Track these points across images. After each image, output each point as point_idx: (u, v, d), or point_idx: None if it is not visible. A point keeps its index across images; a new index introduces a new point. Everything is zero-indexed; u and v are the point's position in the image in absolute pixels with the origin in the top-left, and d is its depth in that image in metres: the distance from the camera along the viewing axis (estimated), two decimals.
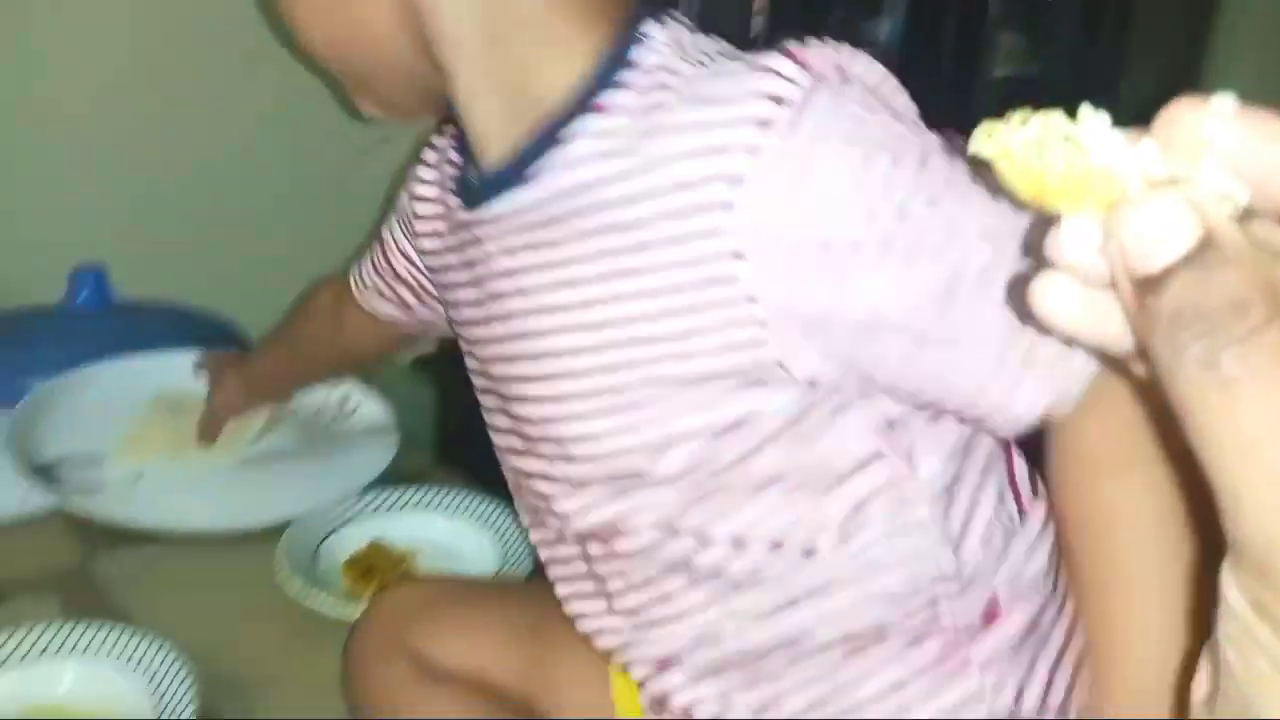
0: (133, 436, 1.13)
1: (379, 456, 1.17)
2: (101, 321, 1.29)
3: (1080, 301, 0.27)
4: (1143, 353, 0.26)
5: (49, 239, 1.34)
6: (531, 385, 0.65)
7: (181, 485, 1.10)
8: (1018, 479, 0.67)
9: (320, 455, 1.19)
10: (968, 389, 0.56)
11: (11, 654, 0.83)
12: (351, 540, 1.06)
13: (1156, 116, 0.26)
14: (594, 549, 0.68)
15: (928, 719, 0.63)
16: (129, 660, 0.84)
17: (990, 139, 0.27)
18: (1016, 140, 0.27)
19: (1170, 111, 0.25)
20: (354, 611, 0.91)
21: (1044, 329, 0.48)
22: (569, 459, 0.65)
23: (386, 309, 0.92)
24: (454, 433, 1.31)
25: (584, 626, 0.72)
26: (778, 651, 0.65)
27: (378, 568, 1.03)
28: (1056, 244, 0.27)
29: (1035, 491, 0.68)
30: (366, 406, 1.27)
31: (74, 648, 0.85)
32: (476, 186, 0.65)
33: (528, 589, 0.91)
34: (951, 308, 0.54)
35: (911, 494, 0.61)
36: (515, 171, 0.62)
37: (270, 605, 0.97)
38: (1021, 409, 0.55)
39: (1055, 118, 0.27)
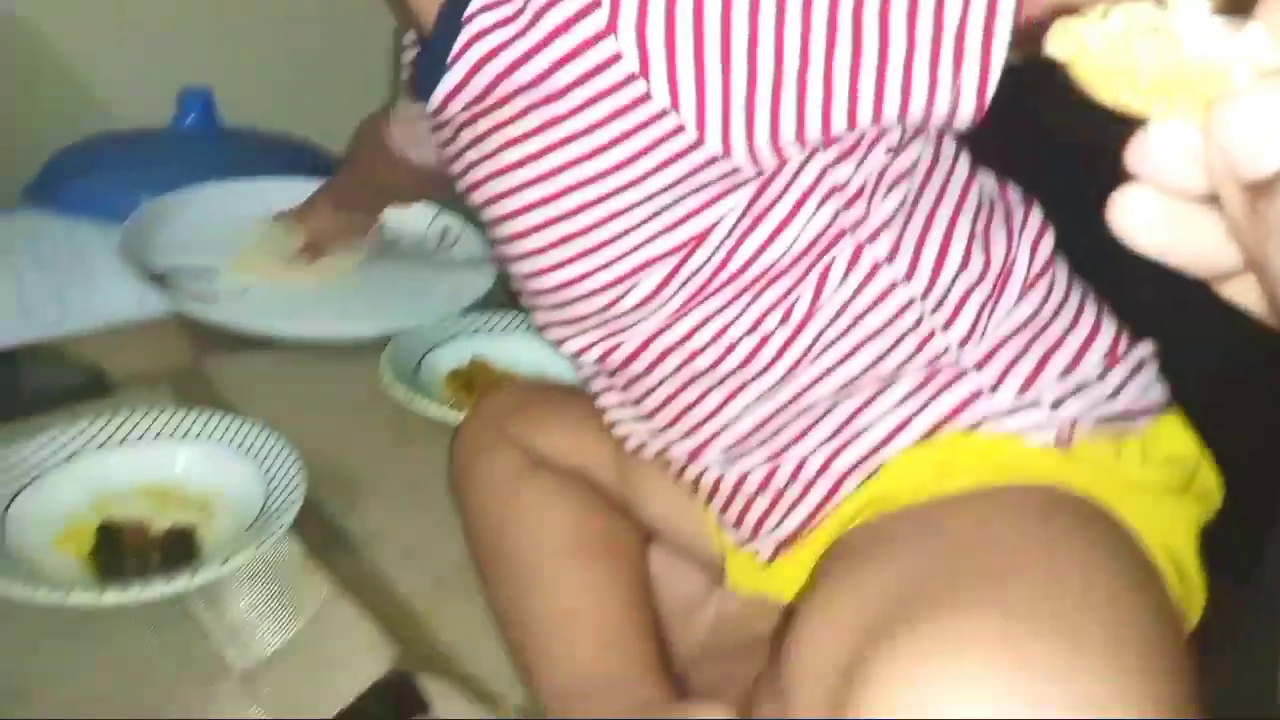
0: (239, 256, 1.15)
1: (478, 282, 1.17)
2: (209, 144, 1.31)
3: (1168, 217, 0.23)
4: (1250, 268, 0.23)
5: (158, 64, 1.35)
6: (512, 245, 0.68)
7: (289, 298, 1.11)
8: (1009, 190, 0.68)
9: (422, 280, 1.19)
10: (902, 99, 0.56)
11: (129, 434, 0.85)
12: (452, 356, 1.07)
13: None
14: (618, 380, 0.72)
15: (928, 422, 0.62)
16: (240, 447, 0.86)
17: (1066, 36, 0.24)
18: (1096, 36, 0.23)
19: None
20: (456, 417, 0.92)
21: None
22: (559, 305, 0.69)
23: (422, 157, 0.94)
24: None
25: (632, 444, 0.75)
26: (791, 420, 0.65)
27: (478, 382, 1.03)
28: (1143, 151, 0.23)
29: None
30: (466, 238, 1.28)
31: (187, 433, 0.86)
32: (422, 78, 0.69)
33: None
34: (864, 29, 0.54)
35: (868, 238, 0.62)
36: (440, 57, 0.65)
37: (374, 410, 0.98)
38: (963, 107, 0.55)
39: (1140, 7, 0.23)
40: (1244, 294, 0.24)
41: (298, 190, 1.21)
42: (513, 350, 1.08)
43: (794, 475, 0.65)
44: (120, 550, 0.76)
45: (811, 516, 0.65)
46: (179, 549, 0.77)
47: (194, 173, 1.22)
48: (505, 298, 1.16)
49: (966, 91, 0.55)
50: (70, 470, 0.82)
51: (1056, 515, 0.55)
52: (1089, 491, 0.57)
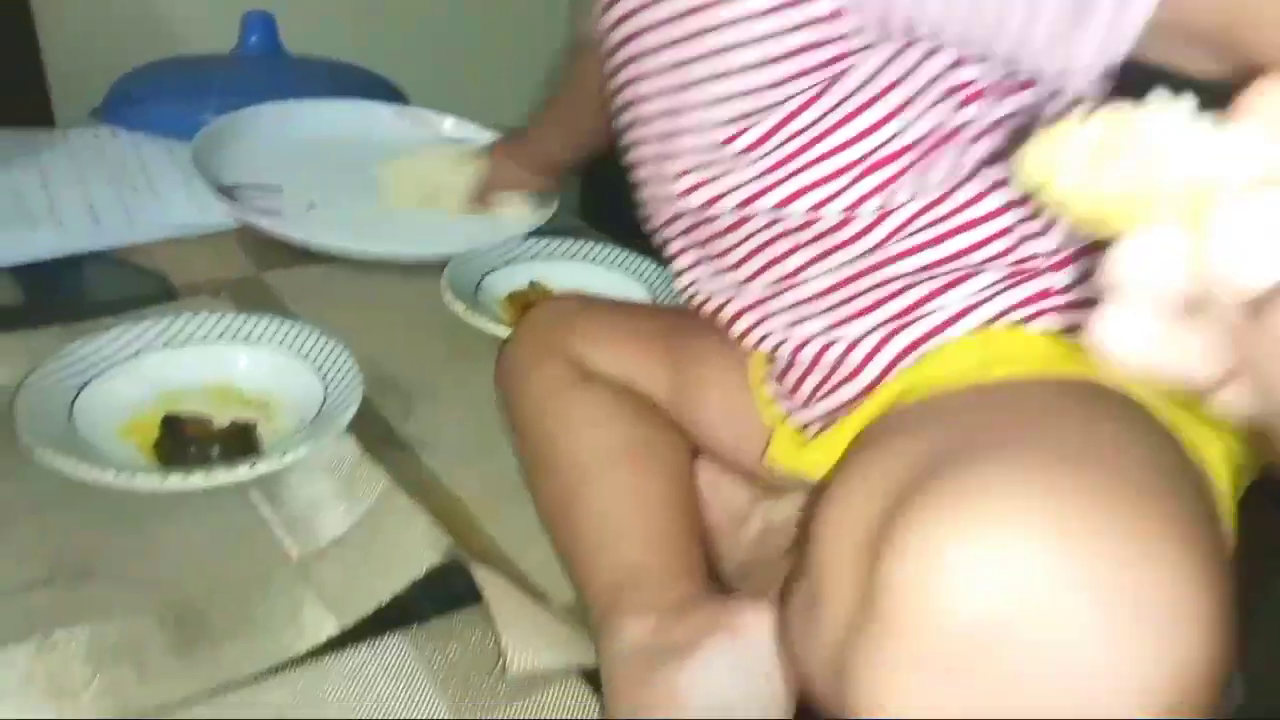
0: (305, 176, 1.16)
1: (542, 208, 1.17)
2: (272, 68, 1.32)
3: (1153, 334, 0.22)
4: (1243, 378, 0.22)
5: None
6: (633, 66, 0.70)
7: (354, 216, 1.12)
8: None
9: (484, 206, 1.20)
10: (1019, 38, 0.55)
11: (193, 335, 0.87)
12: (511, 279, 1.07)
13: (1242, 94, 0.21)
14: (705, 227, 0.72)
15: (988, 314, 0.61)
16: (300, 351, 0.87)
17: (1040, 157, 0.22)
18: (1070, 151, 0.21)
19: (1267, 86, 0.21)
20: None
21: None
22: (669, 135, 0.70)
23: None
24: (598, 199, 1.29)
25: (698, 301, 0.75)
26: (864, 291, 0.65)
27: (535, 305, 1.04)
28: (1126, 267, 0.22)
29: None
30: None
31: (249, 336, 0.88)
32: None
33: (668, 309, 0.93)
34: None
35: (975, 138, 0.62)
36: None
37: (432, 326, 0.98)
38: (1078, 63, 0.54)
39: (1118, 115, 0.21)
40: (1234, 403, 0.23)
41: (366, 113, 1.22)
42: (571, 275, 1.08)
43: (846, 352, 0.65)
44: (183, 442, 0.77)
45: (861, 395, 0.65)
46: (240, 443, 0.78)
47: (257, 96, 1.23)
48: (567, 224, 1.16)
49: (1082, 54, 0.53)
50: (135, 366, 0.84)
51: (1096, 400, 0.53)
52: (1134, 392, 0.55)
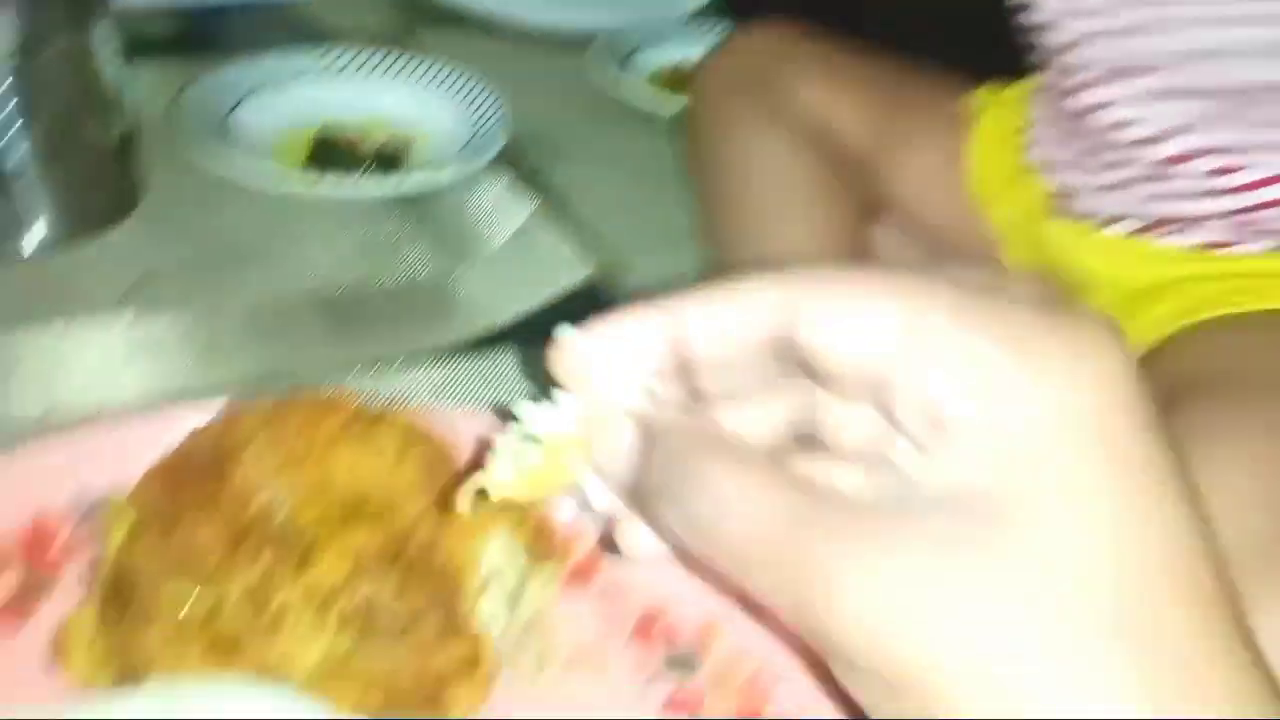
0: None
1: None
2: None
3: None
4: None
5: None
6: None
7: None
8: None
9: None
10: None
11: (345, 67, 0.87)
12: (657, 58, 1.05)
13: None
14: None
15: None
16: (449, 89, 0.87)
17: (481, 489, 0.27)
18: (494, 476, 0.27)
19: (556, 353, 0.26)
20: (658, 106, 0.93)
21: None
22: None
23: None
24: None
25: (1067, 58, 0.67)
26: (1269, 96, 0.57)
27: (682, 87, 1.02)
28: (587, 507, 0.27)
29: None
30: None
31: (400, 71, 0.88)
32: None
33: (886, 57, 0.87)
34: None
35: None
36: None
37: (578, 94, 0.97)
38: None
39: (505, 436, 0.27)
40: None
41: None
42: None
43: (1227, 171, 0.58)
44: (334, 158, 0.78)
45: (1215, 217, 0.59)
46: (389, 164, 0.79)
47: None
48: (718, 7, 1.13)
49: None
50: (289, 90, 0.84)
51: None
52: None
